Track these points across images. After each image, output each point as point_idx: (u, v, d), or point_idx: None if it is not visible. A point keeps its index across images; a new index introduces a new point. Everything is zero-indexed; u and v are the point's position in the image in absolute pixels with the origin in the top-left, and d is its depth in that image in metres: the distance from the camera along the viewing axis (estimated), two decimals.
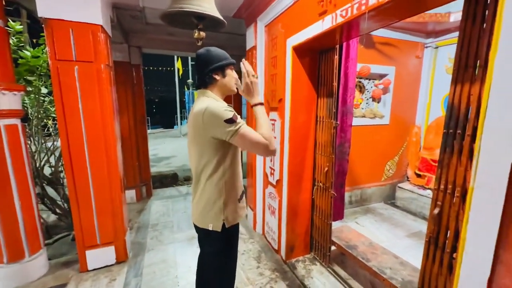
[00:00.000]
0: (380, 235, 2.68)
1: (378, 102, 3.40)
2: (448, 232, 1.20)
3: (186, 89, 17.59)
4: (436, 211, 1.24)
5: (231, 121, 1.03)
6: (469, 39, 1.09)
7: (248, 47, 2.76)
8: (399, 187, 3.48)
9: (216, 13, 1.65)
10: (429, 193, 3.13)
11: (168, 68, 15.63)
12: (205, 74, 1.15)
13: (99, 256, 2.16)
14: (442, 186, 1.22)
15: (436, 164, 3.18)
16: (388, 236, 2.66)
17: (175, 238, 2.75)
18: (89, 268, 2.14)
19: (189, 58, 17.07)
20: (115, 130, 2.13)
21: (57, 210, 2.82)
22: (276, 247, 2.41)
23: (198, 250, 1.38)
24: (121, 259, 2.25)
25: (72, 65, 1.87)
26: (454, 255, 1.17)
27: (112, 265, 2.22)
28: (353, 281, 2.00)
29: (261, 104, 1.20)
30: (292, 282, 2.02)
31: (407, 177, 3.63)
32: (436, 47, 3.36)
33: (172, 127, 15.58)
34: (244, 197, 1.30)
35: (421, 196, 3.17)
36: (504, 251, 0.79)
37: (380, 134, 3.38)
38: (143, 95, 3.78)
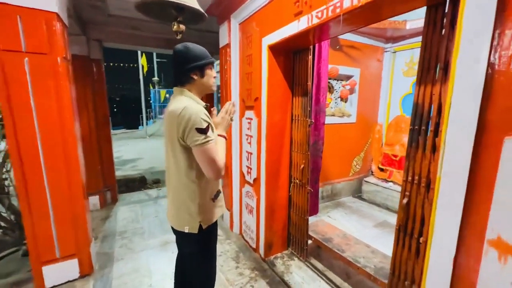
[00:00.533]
0: (350, 226, 2.85)
1: (345, 102, 3.61)
2: (416, 219, 1.32)
3: (151, 87, 16.71)
4: (405, 201, 1.36)
5: (202, 131, 1.01)
6: (430, 44, 1.20)
7: (221, 44, 2.71)
8: (365, 181, 3.74)
9: (197, 5, 1.59)
10: (391, 185, 3.41)
11: (131, 65, 14.66)
12: (182, 73, 1.10)
13: (59, 271, 1.93)
14: (409, 178, 1.33)
15: (396, 159, 3.48)
16: (358, 227, 2.84)
17: (147, 245, 2.59)
18: (47, 286, 1.90)
19: (154, 54, 16.25)
20: (75, 131, 1.92)
21: (1, 224, 2.45)
22: (254, 246, 2.41)
23: (173, 256, 1.33)
24: (85, 272, 2.04)
25: (21, 57, 1.64)
26: (421, 239, 1.29)
27: (75, 279, 2.01)
28: (329, 272, 2.09)
29: (225, 137, 1.21)
30: (272, 280, 2.04)
31: (372, 172, 3.92)
32: (394, 52, 3.67)
33: (137, 128, 14.65)
34: (220, 196, 1.28)
35: (384, 188, 3.44)
36: (466, 232, 0.89)
37: (348, 132, 3.59)
38: (105, 93, 3.49)
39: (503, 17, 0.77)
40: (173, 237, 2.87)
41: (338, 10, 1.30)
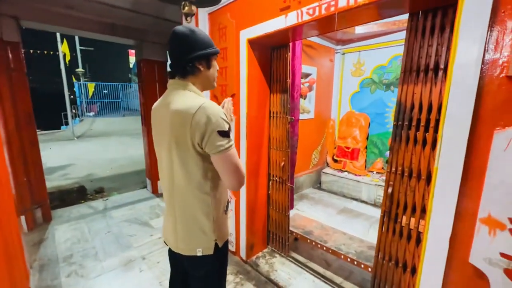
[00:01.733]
0: (318, 216, 3.03)
1: (304, 99, 3.79)
2: (399, 205, 1.47)
3: (74, 79, 14.19)
4: (389, 190, 1.50)
5: (225, 134, 0.86)
6: (412, 48, 1.33)
7: None
8: (323, 172, 4.03)
9: None
10: (346, 174, 3.77)
11: (45, 52, 12.09)
12: (186, 62, 0.92)
13: None
14: (393, 169, 1.47)
15: (349, 150, 3.85)
16: (325, 216, 3.05)
17: (105, 268, 2.19)
18: None
19: (77, 40, 13.84)
20: None
21: None
22: (234, 249, 2.31)
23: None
24: None
25: None
26: (403, 222, 1.45)
27: None
28: (311, 263, 2.18)
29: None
30: (258, 281, 2.00)
31: (327, 163, 4.26)
32: (343, 53, 4.03)
33: (58, 128, 12.25)
34: (229, 205, 1.15)
35: (340, 178, 3.79)
36: (461, 214, 1.03)
37: (307, 127, 3.79)
38: (26, 86, 2.76)
39: (494, 28, 0.90)
40: (137, 252, 2.56)
41: (332, 9, 1.32)
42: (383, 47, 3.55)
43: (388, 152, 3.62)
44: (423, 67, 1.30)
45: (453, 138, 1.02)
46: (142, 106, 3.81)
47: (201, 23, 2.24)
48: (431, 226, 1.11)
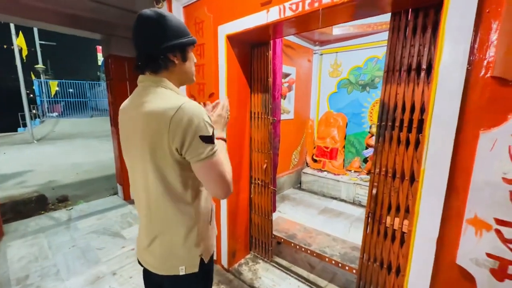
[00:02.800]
0: (300, 217, 3.00)
1: (284, 99, 3.76)
2: (383, 206, 1.46)
3: (33, 77, 12.94)
4: (374, 191, 1.48)
5: (209, 140, 0.74)
6: (395, 48, 1.32)
7: None
8: (303, 172, 4.04)
9: None
10: (326, 174, 3.81)
11: (2, 46, 10.86)
12: (158, 53, 0.80)
13: None
14: (377, 170, 1.46)
15: (328, 150, 3.89)
16: (306, 217, 3.03)
17: (68, 287, 1.95)
18: None
19: (36, 33, 12.65)
20: None
21: None
22: (215, 258, 2.19)
23: None
24: None
25: None
26: (388, 223, 1.44)
27: None
28: (295, 267, 2.13)
29: (224, 140, 0.95)
30: None
31: (307, 163, 4.28)
32: (321, 54, 4.07)
33: (15, 130, 11.06)
34: (213, 214, 1.04)
35: (320, 177, 3.81)
36: (448, 215, 1.02)
37: (288, 127, 3.76)
38: None
39: (479, 28, 0.89)
40: (106, 267, 2.31)
41: (316, 5, 1.27)
42: (359, 48, 3.63)
43: (365, 151, 3.72)
44: (406, 67, 1.29)
45: (439, 139, 1.00)
46: (111, 106, 3.51)
47: None
48: (419, 228, 1.10)
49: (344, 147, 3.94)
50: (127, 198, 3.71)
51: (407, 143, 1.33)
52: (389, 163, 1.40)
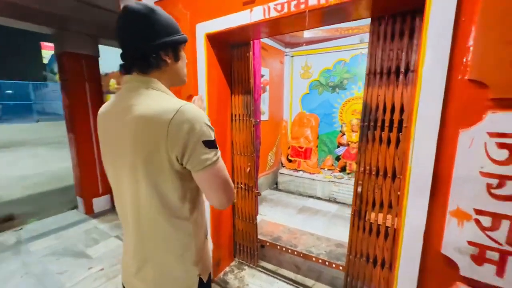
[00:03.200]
0: (279, 218, 3.01)
1: None
2: (368, 204, 1.52)
3: None
4: (359, 189, 1.53)
5: (212, 144, 0.68)
6: (375, 52, 1.38)
7: None
8: (280, 173, 4.07)
9: None
10: (301, 173, 3.89)
11: None
12: (149, 51, 0.71)
13: None
14: (361, 169, 1.51)
15: (302, 150, 3.99)
16: (285, 218, 3.05)
17: None
18: None
19: None
20: None
21: None
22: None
23: None
24: None
25: None
26: (371, 219, 1.50)
27: None
28: (281, 269, 2.11)
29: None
30: None
31: (282, 164, 4.33)
32: (292, 56, 4.16)
33: None
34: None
35: (296, 177, 3.89)
36: (433, 208, 1.09)
37: (263, 128, 3.73)
38: None
39: (457, 34, 0.96)
40: None
41: (302, 6, 1.26)
42: (328, 52, 3.79)
43: (337, 149, 3.89)
44: (386, 70, 1.36)
45: (424, 138, 1.07)
46: (67, 109, 3.12)
47: None
48: (407, 223, 1.15)
49: (317, 146, 4.08)
50: (89, 212, 3.34)
51: (389, 142, 1.41)
52: (373, 162, 1.47)
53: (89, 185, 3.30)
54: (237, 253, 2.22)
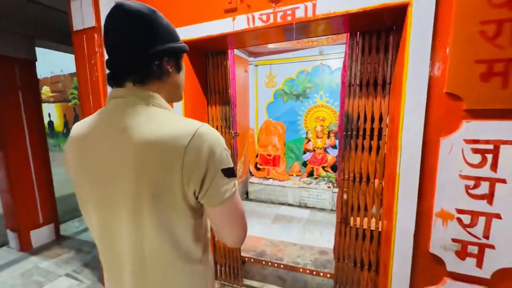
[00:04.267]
0: (256, 230, 2.94)
1: None
2: (353, 210, 1.57)
3: None
4: (345, 196, 1.58)
5: (231, 173, 0.58)
6: (353, 65, 1.46)
7: (77, 27, 1.79)
8: (250, 182, 4.01)
9: None
10: (271, 181, 3.90)
11: None
12: (152, 58, 0.59)
13: None
14: (346, 176, 1.56)
15: (270, 158, 4.02)
16: (262, 228, 2.99)
17: None
18: None
19: None
20: None
21: None
22: None
23: None
24: None
25: None
26: (356, 224, 1.56)
27: None
28: (267, 285, 2.04)
29: None
30: None
31: (251, 173, 4.28)
32: (256, 65, 4.20)
33: None
34: None
35: (267, 185, 3.88)
36: (421, 211, 1.17)
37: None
38: None
39: (435, 52, 1.07)
40: None
41: (289, 18, 1.26)
42: (291, 62, 3.94)
43: (304, 156, 4.03)
44: (365, 81, 1.44)
45: (410, 146, 1.15)
46: None
47: (104, 13, 1.68)
48: (398, 227, 1.22)
49: (285, 153, 4.16)
50: (26, 248, 2.74)
51: (370, 149, 1.49)
52: (356, 168, 1.53)
53: (26, 215, 2.72)
54: (219, 274, 2.06)
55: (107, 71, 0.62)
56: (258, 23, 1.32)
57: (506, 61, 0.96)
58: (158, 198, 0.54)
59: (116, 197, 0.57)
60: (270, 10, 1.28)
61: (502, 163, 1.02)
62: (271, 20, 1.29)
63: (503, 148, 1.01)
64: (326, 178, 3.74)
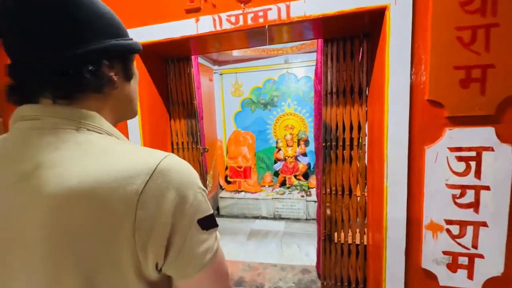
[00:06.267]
0: (231, 249, 2.70)
1: None
2: (337, 225, 1.47)
3: None
4: (328, 211, 1.47)
5: (210, 222, 0.40)
6: (327, 71, 1.38)
7: None
8: (220, 197, 3.76)
9: None
10: (243, 194, 3.71)
11: None
12: (83, 60, 0.37)
13: None
14: (328, 190, 1.46)
15: (241, 170, 3.84)
16: (237, 248, 2.76)
17: None
18: None
19: None
20: None
21: None
22: None
23: None
24: None
25: None
26: (340, 239, 1.46)
27: None
28: None
29: None
30: None
31: (221, 186, 4.03)
32: (221, 74, 4.03)
33: None
34: None
35: (239, 199, 3.67)
36: (410, 225, 1.11)
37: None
38: None
39: (414, 59, 1.03)
40: None
41: (261, 20, 1.12)
42: (257, 70, 3.86)
43: (275, 165, 3.93)
44: (341, 89, 1.37)
45: (395, 157, 1.08)
46: None
47: None
48: (388, 244, 1.13)
49: (255, 164, 4.01)
50: None
51: (350, 160, 1.41)
52: (338, 181, 1.44)
53: None
54: None
55: (10, 81, 0.39)
56: (226, 25, 1.16)
57: (483, 67, 0.95)
58: (91, 272, 0.33)
59: (12, 265, 0.34)
60: (239, 11, 1.14)
61: (485, 170, 1.00)
62: (241, 22, 1.15)
63: (485, 155, 1.00)
64: (299, 187, 3.68)
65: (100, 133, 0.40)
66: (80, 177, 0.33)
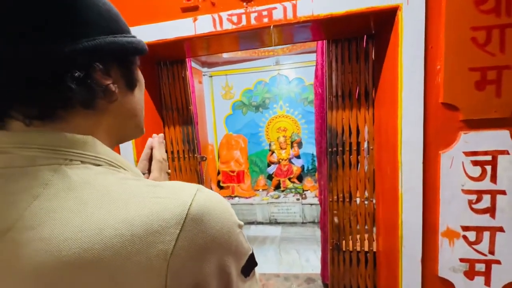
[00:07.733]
0: None
1: None
2: (346, 233, 1.42)
3: None
4: (336, 220, 1.41)
5: (252, 264, 0.34)
6: (336, 73, 1.32)
7: None
8: None
9: None
10: (238, 200, 3.60)
11: None
12: (69, 65, 0.27)
13: None
14: (335, 197, 1.40)
15: (234, 174, 3.74)
16: None
17: None
18: None
19: None
20: None
21: None
22: None
23: None
24: None
25: None
26: (346, 247, 1.41)
27: None
28: None
29: None
30: None
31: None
32: (211, 76, 3.91)
33: None
34: None
35: (233, 205, 3.55)
36: (426, 232, 1.06)
37: None
38: None
39: (428, 60, 0.98)
40: None
41: (266, 20, 1.04)
42: (247, 72, 3.77)
43: (268, 168, 3.86)
44: (347, 92, 1.32)
45: (410, 163, 1.04)
46: None
47: None
48: (404, 254, 1.09)
49: (248, 168, 3.92)
50: None
51: (357, 165, 1.36)
52: (345, 188, 1.38)
53: None
54: None
55: None
56: (227, 26, 1.07)
57: (498, 68, 0.93)
58: None
59: None
60: (242, 10, 1.05)
61: (501, 174, 0.98)
62: (244, 22, 1.06)
63: (500, 158, 0.97)
64: (293, 190, 3.63)
65: (99, 165, 0.30)
66: (77, 241, 0.23)
